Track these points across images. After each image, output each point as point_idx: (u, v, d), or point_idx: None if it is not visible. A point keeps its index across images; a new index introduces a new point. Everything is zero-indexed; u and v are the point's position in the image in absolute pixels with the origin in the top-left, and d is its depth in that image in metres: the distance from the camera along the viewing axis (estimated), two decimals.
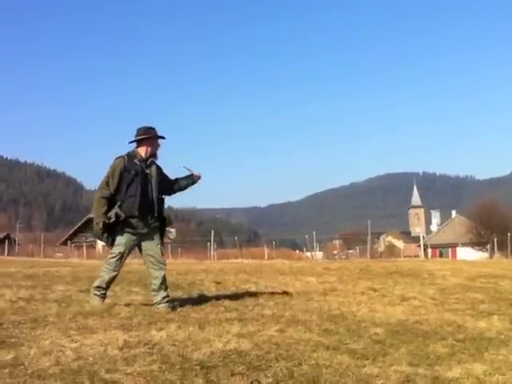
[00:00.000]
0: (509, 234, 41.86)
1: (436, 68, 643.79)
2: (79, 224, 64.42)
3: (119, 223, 5.91)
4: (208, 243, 36.97)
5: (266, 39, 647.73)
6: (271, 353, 4.09)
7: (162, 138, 6.25)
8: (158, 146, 6.25)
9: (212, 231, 36.19)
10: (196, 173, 6.48)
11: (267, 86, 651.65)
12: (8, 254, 39.07)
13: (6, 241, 47.36)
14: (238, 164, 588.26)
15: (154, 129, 6.19)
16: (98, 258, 28.01)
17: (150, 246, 6.08)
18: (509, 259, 31.58)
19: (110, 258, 6.05)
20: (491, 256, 44.85)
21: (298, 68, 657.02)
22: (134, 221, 5.94)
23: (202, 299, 6.70)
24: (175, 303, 6.17)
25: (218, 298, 6.93)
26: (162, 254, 6.22)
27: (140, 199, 5.91)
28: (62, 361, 3.72)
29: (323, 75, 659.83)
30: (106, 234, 5.97)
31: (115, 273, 6.07)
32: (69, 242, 53.67)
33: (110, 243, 6.04)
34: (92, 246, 45.00)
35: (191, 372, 3.55)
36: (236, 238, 44.58)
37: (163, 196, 6.29)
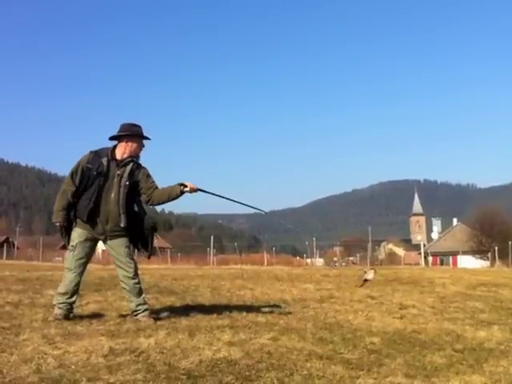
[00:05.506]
0: (510, 243, 41.64)
1: (439, 78, 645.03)
2: None
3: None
4: (208, 249, 36.74)
5: (268, 60, 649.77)
6: (262, 362, 3.93)
7: (147, 138, 5.52)
8: (142, 146, 5.49)
9: (212, 236, 35.94)
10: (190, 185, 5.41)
11: (272, 94, 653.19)
12: (7, 258, 38.91)
13: (5, 244, 47.17)
14: (240, 170, 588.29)
15: (138, 126, 5.45)
16: (96, 262, 27.82)
17: (115, 246, 5.37)
18: (510, 268, 31.34)
19: (67, 255, 5.38)
20: (492, 264, 44.50)
21: (302, 78, 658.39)
22: (86, 225, 5.28)
23: (194, 305, 6.55)
24: (163, 314, 5.75)
25: (211, 304, 6.78)
26: (130, 255, 5.44)
27: (94, 204, 5.19)
28: (42, 369, 3.56)
29: (328, 83, 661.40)
30: (63, 232, 5.35)
31: (73, 274, 5.24)
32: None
33: (68, 241, 5.38)
34: None
35: (177, 382, 3.41)
36: (236, 244, 44.34)
37: (141, 201, 5.48)
